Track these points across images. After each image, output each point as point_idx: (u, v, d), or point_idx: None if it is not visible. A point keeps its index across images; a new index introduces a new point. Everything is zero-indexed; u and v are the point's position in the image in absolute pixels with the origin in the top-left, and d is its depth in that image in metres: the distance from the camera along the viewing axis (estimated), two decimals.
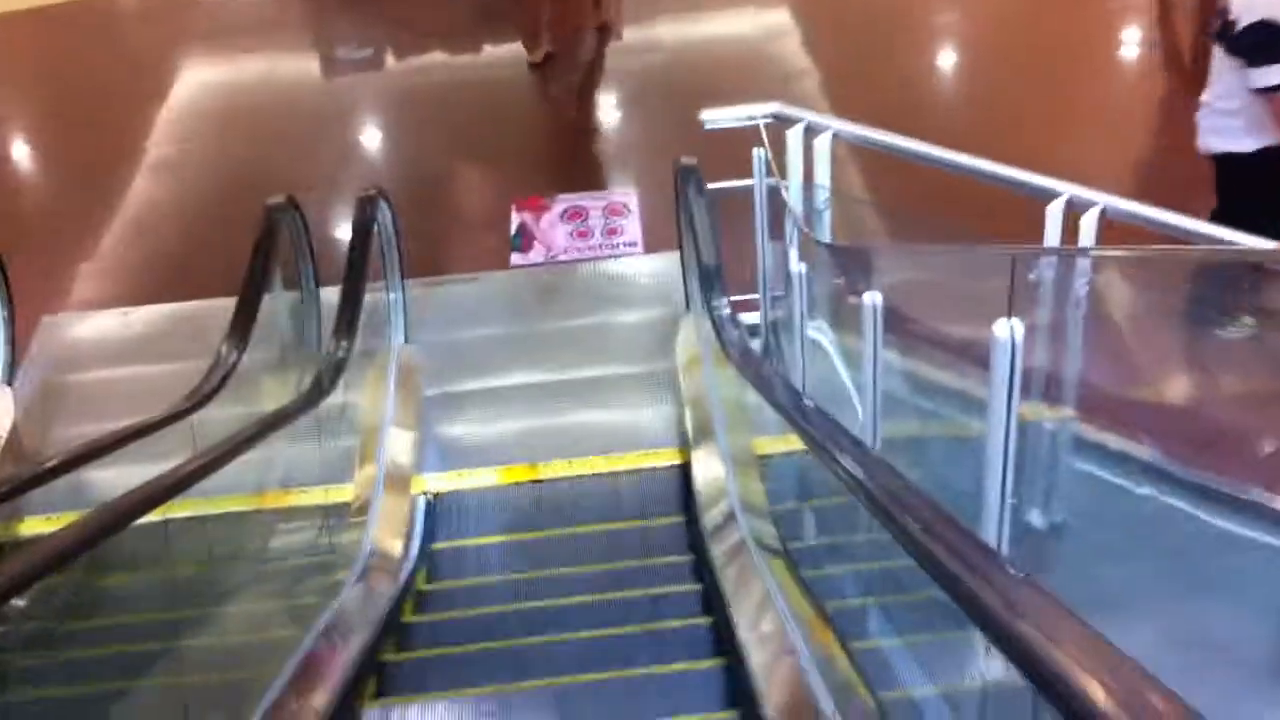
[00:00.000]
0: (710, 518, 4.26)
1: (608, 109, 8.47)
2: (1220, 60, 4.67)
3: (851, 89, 8.01)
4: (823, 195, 5.00)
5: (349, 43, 9.68)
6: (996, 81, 8.25)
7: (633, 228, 6.87)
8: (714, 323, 4.46)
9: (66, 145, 8.51)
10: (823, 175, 5.01)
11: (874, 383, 3.20)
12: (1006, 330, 2.15)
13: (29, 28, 10.17)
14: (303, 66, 9.41)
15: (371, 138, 8.52)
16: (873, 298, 3.09)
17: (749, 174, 5.24)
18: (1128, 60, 8.70)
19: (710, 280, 4.61)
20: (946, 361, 3.87)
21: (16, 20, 10.22)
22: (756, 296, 5.37)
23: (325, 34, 9.90)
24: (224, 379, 4.17)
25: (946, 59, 8.87)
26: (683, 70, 8.54)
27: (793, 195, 5.01)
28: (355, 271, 4.81)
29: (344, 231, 5.64)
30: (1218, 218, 4.49)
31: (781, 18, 9.18)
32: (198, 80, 9.09)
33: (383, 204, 5.37)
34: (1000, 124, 7.48)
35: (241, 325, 4.52)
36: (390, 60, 9.42)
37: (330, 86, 9.19)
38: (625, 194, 7.18)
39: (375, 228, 5.17)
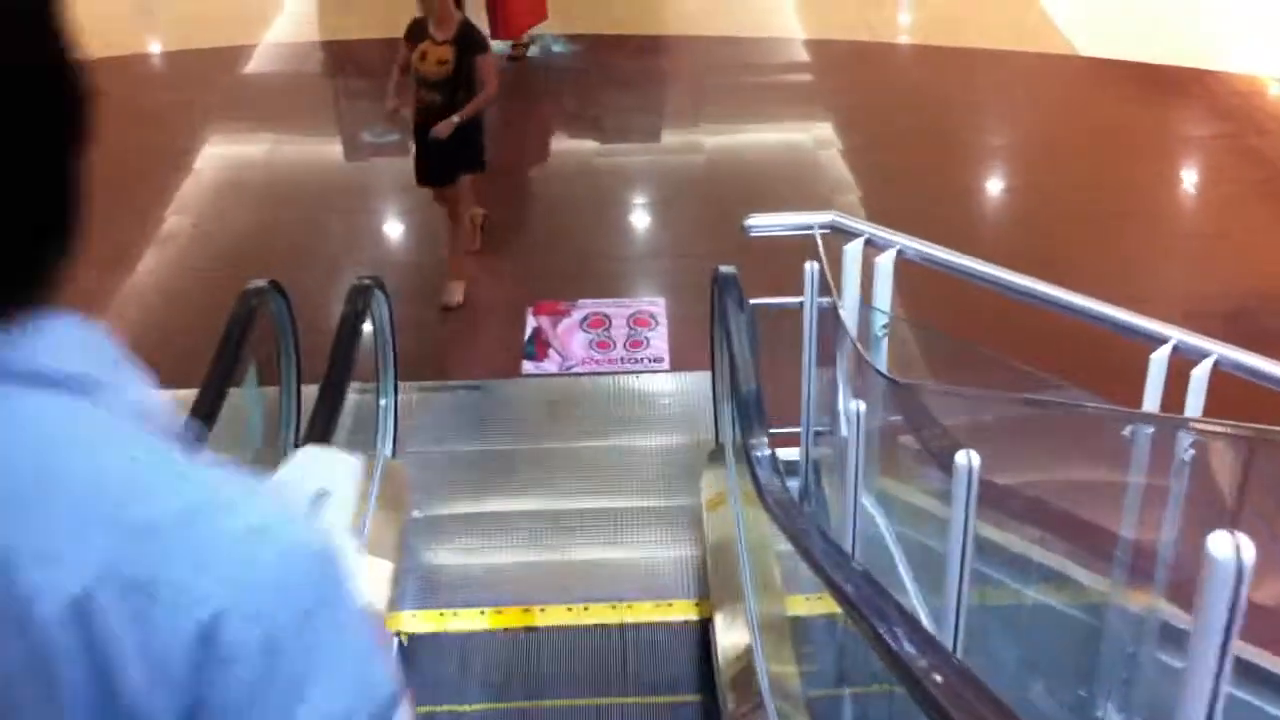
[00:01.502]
0: (733, 700, 3.53)
1: (638, 209, 7.89)
2: None
3: (895, 206, 7.41)
4: (881, 321, 4.34)
5: (376, 126, 9.18)
6: (1052, 204, 7.64)
7: (659, 341, 6.23)
8: (748, 459, 3.79)
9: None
10: (883, 298, 4.36)
11: (961, 563, 2.51)
12: (1229, 548, 1.46)
13: None
14: (325, 147, 8.89)
15: (385, 224, 7.93)
16: (968, 458, 2.41)
17: (790, 291, 4.64)
18: (1203, 191, 8.11)
19: (747, 409, 3.95)
20: (1043, 538, 3.19)
21: None
22: (797, 430, 4.69)
23: (353, 115, 9.40)
24: None
25: (998, 179, 8.30)
26: (722, 175, 7.99)
27: (848, 318, 4.38)
28: (336, 371, 4.16)
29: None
30: None
31: (824, 131, 8.66)
32: (217, 153, 8.56)
33: (378, 295, 4.74)
34: (1056, 248, 6.84)
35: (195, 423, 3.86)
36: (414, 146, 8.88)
37: (350, 169, 8.66)
38: (653, 303, 6.55)
39: (366, 322, 4.54)
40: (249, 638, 0.80)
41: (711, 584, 4.30)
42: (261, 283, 4.63)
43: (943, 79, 9.48)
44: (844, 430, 4.61)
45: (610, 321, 6.37)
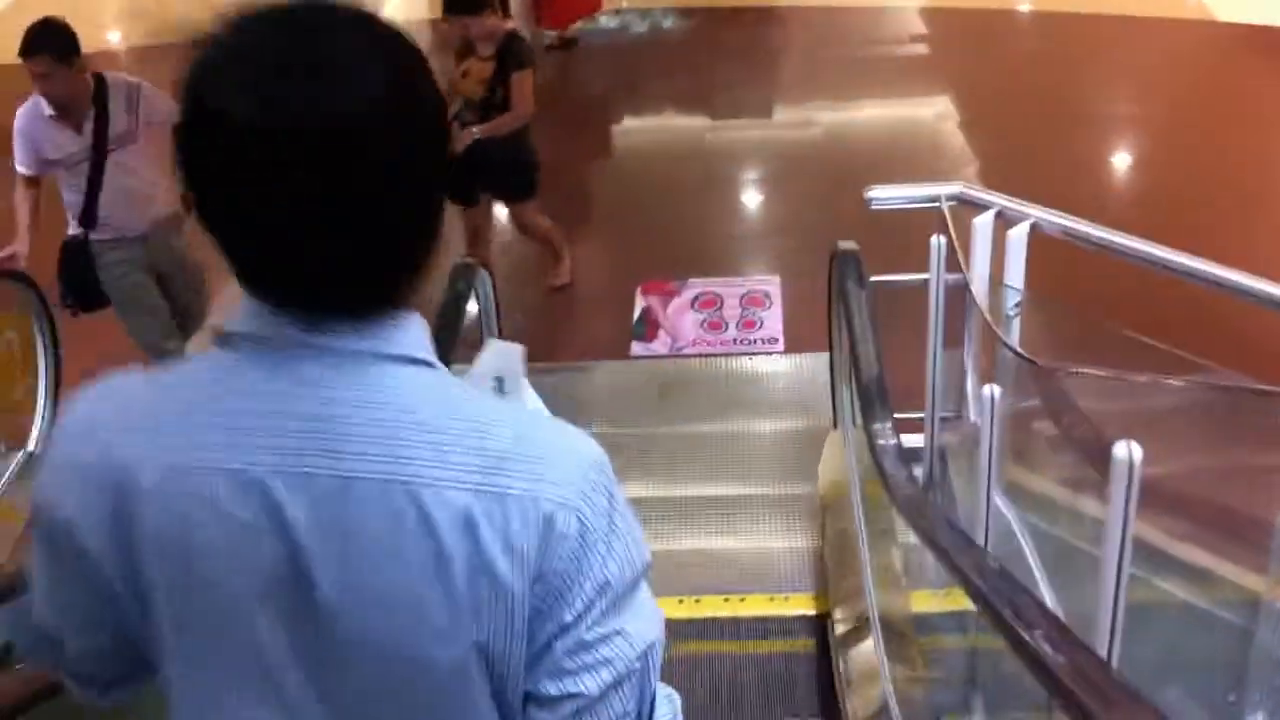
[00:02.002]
0: (855, 703, 3.30)
1: (750, 185, 7.65)
2: None
3: (1016, 180, 7.04)
4: (1013, 299, 4.06)
5: None
6: (1185, 179, 7.20)
7: (773, 322, 5.99)
8: (872, 447, 3.54)
9: None
10: (1015, 274, 4.07)
11: (1119, 566, 2.25)
12: None
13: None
14: None
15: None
16: (1129, 450, 2.16)
17: (910, 268, 4.40)
18: None
19: (870, 394, 3.71)
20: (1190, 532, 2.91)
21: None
22: (920, 415, 4.42)
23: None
24: None
25: (1126, 153, 7.86)
26: (836, 150, 7.71)
27: (978, 296, 4.11)
28: (440, 352, 3.99)
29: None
30: None
31: (943, 102, 8.33)
32: None
33: (482, 274, 4.57)
34: (1188, 226, 6.43)
35: None
36: None
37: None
38: (766, 282, 6.31)
39: (470, 302, 4.37)
40: (571, 525, 1.13)
41: (830, 577, 4.07)
42: None
43: (1068, 47, 9.06)
44: (972, 415, 4.35)
45: (722, 301, 6.14)
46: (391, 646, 1.13)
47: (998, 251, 4.17)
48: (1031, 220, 4.07)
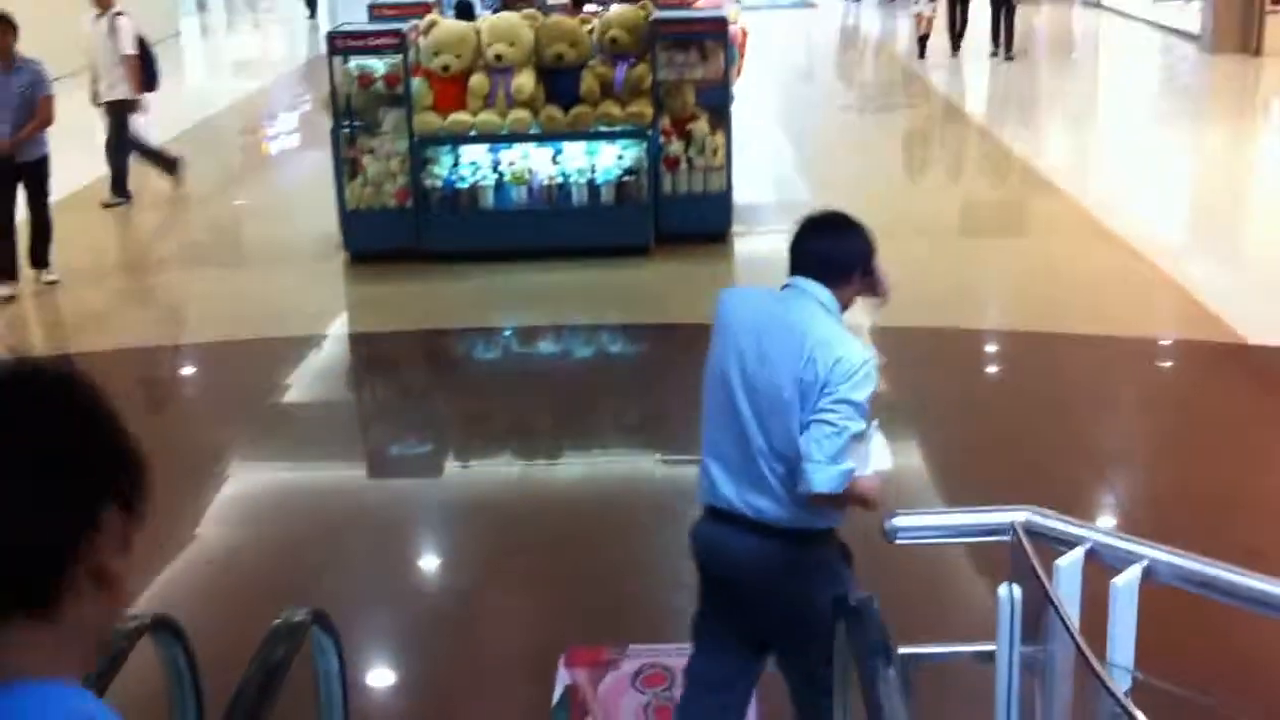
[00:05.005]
0: None
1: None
2: None
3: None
4: (1125, 683, 2.63)
5: (406, 438, 7.82)
6: (1219, 530, 5.85)
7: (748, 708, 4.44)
8: None
9: None
10: (1123, 646, 2.67)
11: None
12: None
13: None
14: (348, 467, 7.44)
15: (393, 554, 6.29)
16: None
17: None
18: None
19: None
20: None
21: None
22: None
23: (385, 429, 8.05)
24: None
25: (1134, 495, 6.58)
26: None
27: (1061, 675, 2.68)
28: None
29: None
30: None
31: (927, 441, 7.09)
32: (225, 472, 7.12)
33: (319, 638, 3.10)
34: None
35: None
36: (450, 463, 7.45)
37: (371, 489, 7.17)
38: None
39: (306, 676, 2.88)
40: (844, 364, 3.44)
41: None
42: (141, 619, 3.04)
43: (1049, 373, 7.93)
44: None
45: (674, 677, 4.59)
46: (778, 386, 3.42)
47: (1087, 611, 2.79)
48: (1144, 563, 2.70)
